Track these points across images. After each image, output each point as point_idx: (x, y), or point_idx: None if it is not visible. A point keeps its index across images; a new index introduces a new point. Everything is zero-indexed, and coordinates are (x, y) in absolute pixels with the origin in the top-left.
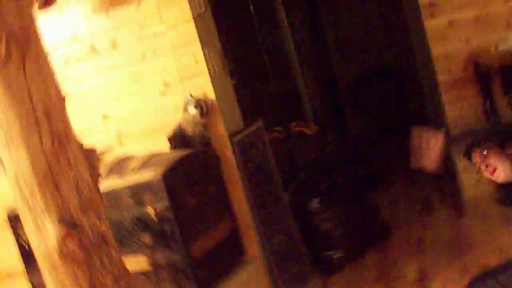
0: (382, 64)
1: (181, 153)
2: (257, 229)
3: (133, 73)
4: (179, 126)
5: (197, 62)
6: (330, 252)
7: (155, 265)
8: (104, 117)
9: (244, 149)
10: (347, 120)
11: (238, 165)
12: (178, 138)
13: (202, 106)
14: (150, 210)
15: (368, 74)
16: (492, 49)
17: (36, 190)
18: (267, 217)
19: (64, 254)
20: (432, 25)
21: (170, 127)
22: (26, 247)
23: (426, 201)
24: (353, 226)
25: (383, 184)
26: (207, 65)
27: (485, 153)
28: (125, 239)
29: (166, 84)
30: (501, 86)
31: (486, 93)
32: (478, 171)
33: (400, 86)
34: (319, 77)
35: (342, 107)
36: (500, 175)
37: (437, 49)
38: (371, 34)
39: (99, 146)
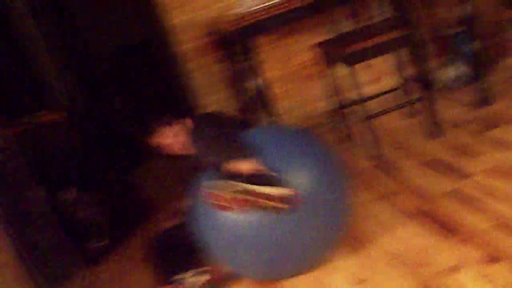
0: (135, 38)
1: None
2: (5, 229)
3: None
4: None
5: None
6: (93, 241)
7: None
8: None
9: None
10: (106, 102)
11: None
12: None
13: None
14: None
15: (122, 50)
16: (228, 13)
17: None
18: (16, 214)
19: None
20: None
21: None
22: None
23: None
24: (114, 210)
25: (149, 158)
26: None
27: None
28: None
29: None
30: (239, 49)
31: (229, 57)
32: None
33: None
34: (71, 62)
35: (100, 88)
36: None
37: (177, 18)
38: (118, 10)
39: None
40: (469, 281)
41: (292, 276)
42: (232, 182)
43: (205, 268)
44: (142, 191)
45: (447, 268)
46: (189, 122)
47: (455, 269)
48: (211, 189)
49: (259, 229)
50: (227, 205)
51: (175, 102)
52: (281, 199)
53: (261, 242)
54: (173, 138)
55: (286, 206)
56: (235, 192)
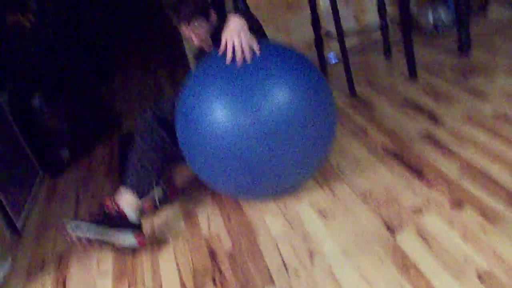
0: None
1: None
2: None
3: None
4: None
5: None
6: (57, 151)
7: None
8: None
9: None
10: (80, 12)
11: None
12: None
13: None
14: None
15: None
16: None
17: None
18: None
19: None
20: None
21: None
22: None
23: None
24: (79, 121)
25: (119, 74)
26: None
27: (191, 24)
28: None
29: None
30: None
31: None
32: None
33: None
34: None
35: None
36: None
37: None
38: None
39: None
40: (432, 223)
41: (259, 197)
42: (87, 225)
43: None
44: (111, 105)
45: (411, 209)
46: (213, 16)
47: (419, 210)
48: (67, 227)
49: (240, 143)
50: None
51: (156, 22)
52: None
53: (239, 156)
54: (192, 34)
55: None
56: (83, 236)
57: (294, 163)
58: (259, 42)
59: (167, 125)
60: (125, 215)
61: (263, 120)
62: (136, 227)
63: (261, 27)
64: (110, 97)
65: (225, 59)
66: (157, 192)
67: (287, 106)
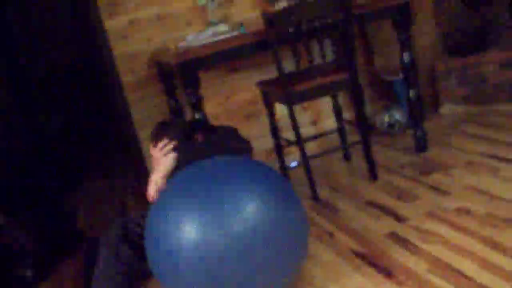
0: (74, 62)
1: None
2: None
3: None
4: None
5: None
6: (20, 270)
7: None
8: None
9: None
10: (40, 118)
11: None
12: None
13: None
14: None
15: (61, 71)
16: (172, 47)
17: None
18: None
19: None
20: (112, 24)
21: None
22: None
23: (122, 203)
24: (44, 237)
25: (83, 182)
26: None
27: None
28: None
29: None
30: (181, 83)
31: (170, 91)
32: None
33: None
34: (5, 74)
35: (33, 104)
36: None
37: (119, 49)
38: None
39: None
40: None
41: None
42: None
43: None
44: (75, 219)
45: None
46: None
47: None
48: None
49: (209, 259)
50: None
51: (114, 132)
52: None
53: (209, 272)
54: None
55: None
56: None
57: (267, 278)
58: (230, 158)
59: (133, 240)
60: None
61: (233, 235)
62: None
63: (244, 143)
64: (72, 210)
65: (193, 175)
66: None
67: (257, 219)
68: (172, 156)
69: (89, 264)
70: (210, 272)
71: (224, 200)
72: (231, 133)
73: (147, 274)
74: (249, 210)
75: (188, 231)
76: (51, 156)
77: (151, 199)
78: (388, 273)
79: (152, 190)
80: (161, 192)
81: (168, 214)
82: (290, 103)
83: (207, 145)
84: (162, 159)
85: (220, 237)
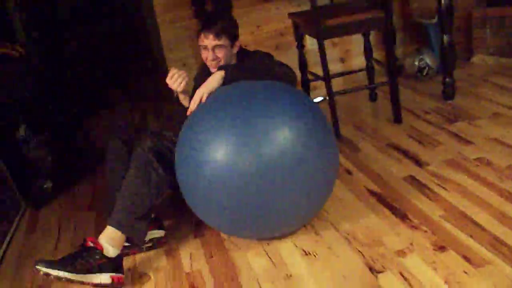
0: None
1: None
2: None
3: None
4: None
5: None
6: (39, 183)
7: None
8: None
9: None
10: (67, 45)
11: None
12: None
13: None
14: None
15: None
16: None
17: None
18: None
19: None
20: None
21: None
22: None
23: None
24: (64, 154)
25: (104, 107)
26: None
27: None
28: None
29: None
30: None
31: (201, 14)
32: None
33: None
34: None
35: (62, 31)
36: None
37: None
38: None
39: None
40: (414, 266)
41: (257, 237)
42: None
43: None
44: (94, 140)
45: (394, 251)
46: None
47: (402, 253)
48: (37, 264)
49: (241, 183)
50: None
51: (141, 55)
52: None
53: (240, 196)
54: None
55: None
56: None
57: (296, 203)
58: (264, 83)
59: (163, 155)
60: (101, 248)
61: (263, 156)
62: (112, 262)
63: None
64: (94, 130)
65: (227, 98)
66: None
67: (289, 145)
68: (220, 74)
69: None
70: (238, 191)
71: (257, 121)
72: (271, 58)
73: (174, 187)
74: (281, 133)
75: (218, 149)
76: (75, 78)
77: (189, 113)
78: (402, 216)
79: (194, 104)
80: (196, 111)
81: (200, 131)
82: (321, 37)
83: (252, 69)
84: (214, 75)
85: (250, 157)
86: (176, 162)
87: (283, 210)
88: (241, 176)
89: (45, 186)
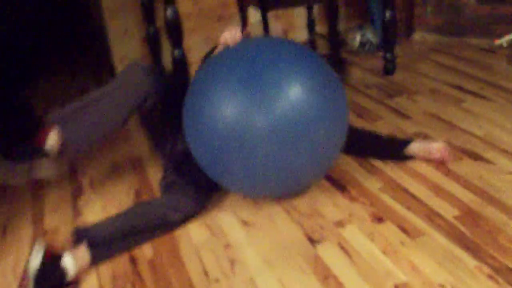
0: None
1: None
2: None
3: None
4: None
5: None
6: None
7: None
8: None
9: None
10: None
11: None
12: None
13: None
14: None
15: None
16: None
17: None
18: None
19: None
20: None
21: None
22: None
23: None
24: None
25: (44, 74)
26: None
27: None
28: None
29: None
30: None
31: None
32: None
33: None
34: None
35: None
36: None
37: None
38: None
39: None
40: (352, 236)
41: (270, 196)
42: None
43: None
44: (34, 108)
45: (333, 222)
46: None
47: (340, 223)
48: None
49: (252, 140)
50: None
51: (80, 23)
52: None
53: (251, 153)
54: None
55: None
56: None
57: (308, 162)
58: (273, 40)
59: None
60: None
61: (277, 117)
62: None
63: None
64: (32, 101)
65: (235, 59)
66: None
67: (302, 103)
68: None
69: None
70: (249, 152)
71: (268, 80)
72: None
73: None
74: (293, 91)
75: (228, 109)
76: (11, 46)
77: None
78: (342, 188)
79: (228, 35)
80: (202, 70)
81: (209, 91)
82: (265, 8)
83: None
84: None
85: (261, 116)
86: (185, 119)
87: (298, 163)
88: (252, 137)
89: None
